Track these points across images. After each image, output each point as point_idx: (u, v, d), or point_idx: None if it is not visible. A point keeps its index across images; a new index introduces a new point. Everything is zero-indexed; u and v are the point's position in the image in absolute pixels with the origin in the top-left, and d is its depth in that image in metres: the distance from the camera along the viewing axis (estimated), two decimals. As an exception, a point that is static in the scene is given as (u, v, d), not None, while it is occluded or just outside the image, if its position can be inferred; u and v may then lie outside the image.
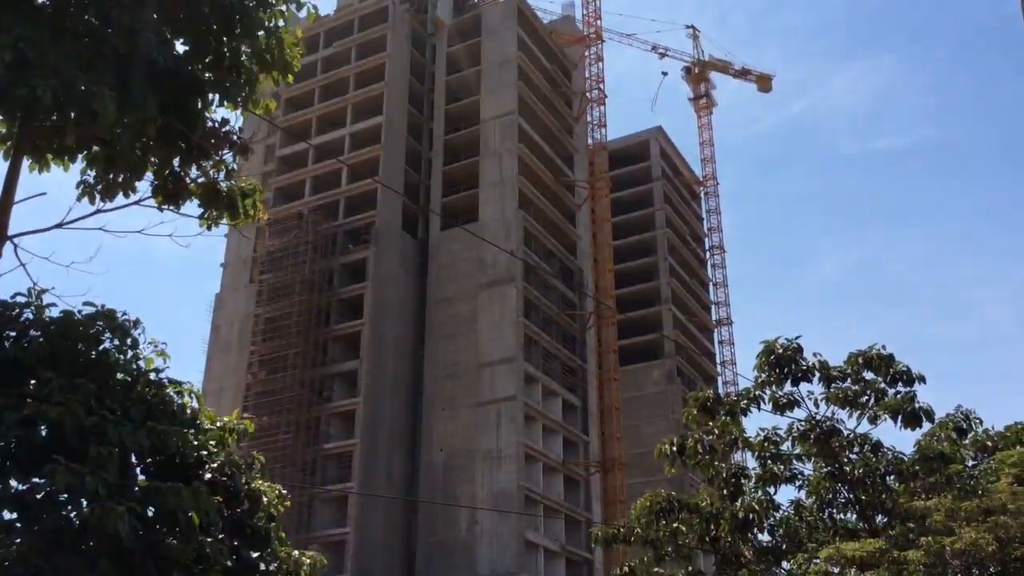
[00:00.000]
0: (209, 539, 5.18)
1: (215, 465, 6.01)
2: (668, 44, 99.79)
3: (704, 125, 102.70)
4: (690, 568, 17.17)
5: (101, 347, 5.98)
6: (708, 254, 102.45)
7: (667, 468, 17.11)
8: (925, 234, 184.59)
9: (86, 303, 5.91)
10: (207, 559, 5.08)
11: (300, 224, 72.49)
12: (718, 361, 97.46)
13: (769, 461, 16.85)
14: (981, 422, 16.80)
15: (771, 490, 17.14)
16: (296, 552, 6.59)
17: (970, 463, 16.13)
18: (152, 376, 6.22)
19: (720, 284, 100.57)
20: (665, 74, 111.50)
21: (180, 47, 6.96)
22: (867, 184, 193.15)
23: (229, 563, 5.48)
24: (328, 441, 67.62)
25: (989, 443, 16.16)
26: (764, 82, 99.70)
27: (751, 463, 17.71)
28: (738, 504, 16.52)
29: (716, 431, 16.50)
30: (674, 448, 16.77)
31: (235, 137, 7.22)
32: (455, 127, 77.86)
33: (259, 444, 67.08)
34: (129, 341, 6.16)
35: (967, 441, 16.51)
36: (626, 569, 17.39)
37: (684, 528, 16.97)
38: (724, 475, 17.12)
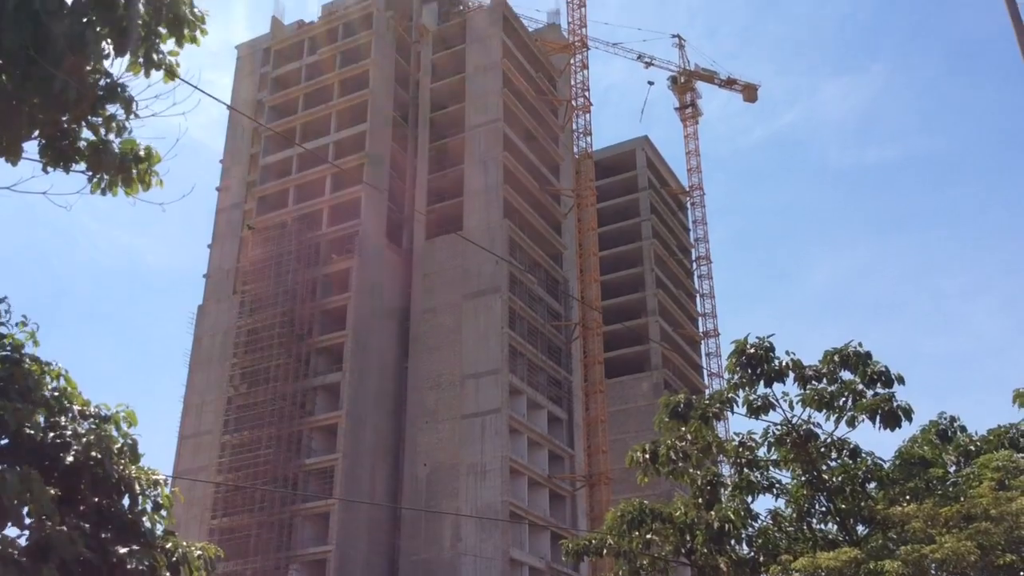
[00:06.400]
0: (49, 530, 4.41)
1: (79, 448, 5.26)
2: (655, 54, 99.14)
3: (690, 135, 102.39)
4: (665, 580, 16.35)
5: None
6: (695, 265, 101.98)
7: (639, 477, 16.37)
8: (915, 245, 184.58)
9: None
10: (49, 551, 4.33)
11: (283, 233, 71.77)
12: (706, 374, 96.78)
13: (745, 468, 16.13)
14: (964, 429, 16.17)
15: (748, 499, 16.42)
16: (184, 543, 5.82)
17: (952, 468, 15.39)
18: (7, 353, 5.45)
19: (707, 295, 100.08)
20: (651, 84, 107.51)
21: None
22: (857, 196, 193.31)
23: (87, 555, 4.72)
24: (310, 456, 66.58)
25: (972, 447, 15.43)
26: (750, 92, 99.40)
27: (727, 470, 17.00)
28: (713, 514, 15.78)
29: (689, 437, 15.74)
30: (646, 455, 16.02)
31: (120, 90, 6.41)
32: (440, 135, 77.25)
33: (241, 459, 66.09)
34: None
35: (950, 446, 15.81)
36: (601, 583, 16.61)
37: (658, 539, 16.21)
38: (699, 483, 16.39)
